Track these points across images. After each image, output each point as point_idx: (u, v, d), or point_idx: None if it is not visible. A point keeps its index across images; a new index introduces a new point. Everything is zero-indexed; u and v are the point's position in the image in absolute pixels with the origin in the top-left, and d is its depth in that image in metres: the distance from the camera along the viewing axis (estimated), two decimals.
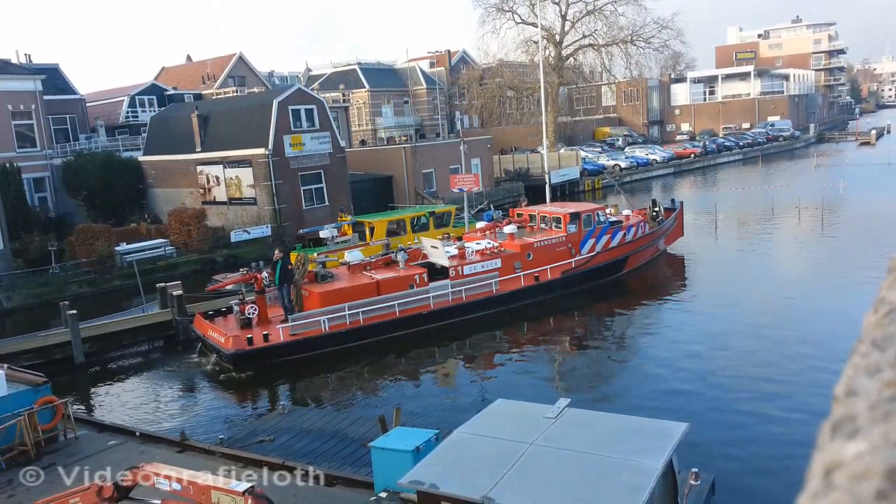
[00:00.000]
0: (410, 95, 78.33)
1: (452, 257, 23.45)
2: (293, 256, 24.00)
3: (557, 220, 26.10)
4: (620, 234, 27.03)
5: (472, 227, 29.64)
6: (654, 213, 30.12)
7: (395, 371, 20.17)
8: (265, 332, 20.00)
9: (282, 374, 19.83)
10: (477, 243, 24.84)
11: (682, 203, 32.03)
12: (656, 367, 18.56)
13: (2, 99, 40.00)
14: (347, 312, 20.81)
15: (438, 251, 23.52)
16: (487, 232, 26.68)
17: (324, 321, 20.54)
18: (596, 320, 24.31)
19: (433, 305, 22.15)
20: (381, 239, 29.47)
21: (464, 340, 22.17)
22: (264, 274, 21.90)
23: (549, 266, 24.51)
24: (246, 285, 22.35)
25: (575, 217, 26.00)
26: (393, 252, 24.31)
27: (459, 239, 26.32)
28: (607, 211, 28.23)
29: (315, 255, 26.02)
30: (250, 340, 19.66)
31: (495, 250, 24.35)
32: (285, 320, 20.60)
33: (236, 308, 21.09)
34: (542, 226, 26.62)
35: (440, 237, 26.24)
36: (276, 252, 22.17)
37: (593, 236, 26.16)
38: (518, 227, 26.33)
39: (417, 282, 22.32)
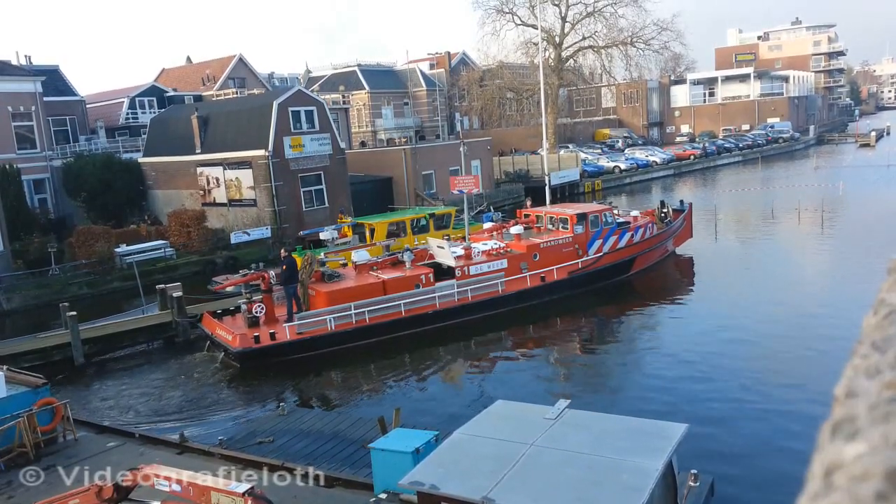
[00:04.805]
0: (410, 97, 78.35)
1: (458, 257, 23.50)
2: (297, 259, 24.01)
3: (564, 221, 26.11)
4: (628, 235, 27.02)
5: (474, 228, 29.56)
6: (663, 215, 30.05)
7: (399, 371, 20.20)
8: (272, 331, 20.12)
9: (286, 372, 19.87)
10: (483, 244, 24.88)
11: (690, 204, 31.93)
12: (657, 368, 18.57)
13: (2, 100, 39.99)
14: (353, 312, 20.89)
15: (444, 251, 23.57)
16: (494, 233, 26.71)
17: (330, 320, 20.62)
18: (601, 321, 24.31)
19: (439, 305, 22.21)
20: (382, 240, 29.45)
21: (469, 340, 22.20)
22: (271, 273, 21.99)
23: (555, 267, 24.53)
24: (248, 285, 22.35)
25: (582, 218, 26.01)
26: (399, 252, 24.38)
27: (464, 239, 26.34)
28: (615, 212, 28.22)
29: (321, 254, 26.03)
30: (257, 339, 19.79)
31: (501, 251, 24.37)
32: (289, 320, 20.67)
33: (244, 307, 21.20)
34: (549, 226, 26.64)
35: (441, 238, 26.25)
36: (282, 251, 22.30)
37: (600, 237, 26.17)
38: (525, 228, 26.35)
39: (423, 282, 22.39)
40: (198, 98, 56.91)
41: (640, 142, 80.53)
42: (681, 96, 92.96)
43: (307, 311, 21.16)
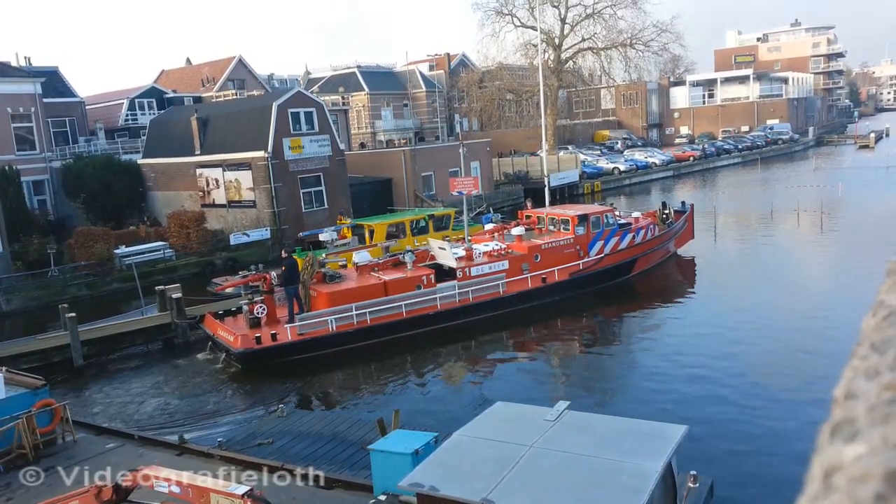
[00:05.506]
0: (410, 98, 78.39)
1: (460, 259, 23.53)
2: (298, 261, 24.03)
3: (565, 223, 26.14)
4: (629, 236, 27.05)
5: (474, 229, 29.56)
6: (664, 216, 30.07)
7: (400, 372, 20.21)
8: (273, 332, 20.14)
9: (287, 373, 19.87)
10: (485, 245, 24.92)
11: (692, 205, 31.96)
12: (657, 370, 18.56)
13: (1, 102, 40.00)
14: (355, 313, 20.91)
15: (446, 252, 23.61)
16: (495, 234, 26.74)
17: (331, 321, 20.66)
18: (602, 323, 24.33)
19: (440, 306, 22.23)
20: (381, 242, 29.44)
21: (469, 341, 22.23)
22: (272, 274, 22.02)
23: (556, 268, 24.56)
24: (247, 287, 22.36)
25: (583, 219, 26.05)
26: (400, 253, 24.44)
27: (463, 240, 26.36)
28: (616, 213, 28.24)
29: (323, 255, 26.06)
30: (258, 339, 19.83)
31: (503, 252, 24.40)
32: (290, 321, 20.69)
33: (245, 308, 21.22)
34: (551, 228, 26.68)
35: (440, 240, 26.26)
36: (283, 252, 22.32)
37: (602, 238, 26.20)
38: (526, 229, 26.38)
39: (425, 283, 22.41)
40: (197, 99, 56.93)
41: (639, 143, 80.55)
42: (680, 98, 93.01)
43: (308, 312, 21.17)
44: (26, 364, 19.60)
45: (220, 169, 38.74)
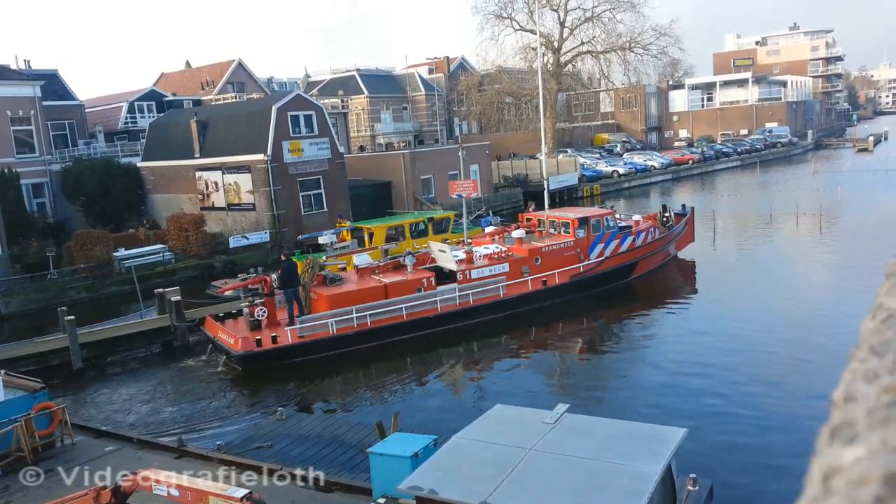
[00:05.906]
0: (409, 101, 78.41)
1: (460, 261, 23.53)
2: (299, 263, 24.04)
3: (566, 225, 26.17)
4: (630, 239, 27.08)
5: (473, 232, 29.58)
6: (665, 219, 30.11)
7: (399, 374, 20.22)
8: (273, 334, 20.14)
9: (287, 376, 19.87)
10: (485, 247, 24.94)
11: (692, 208, 31.99)
12: (657, 373, 18.56)
13: (1, 104, 40.02)
14: (355, 315, 20.91)
15: (446, 255, 23.63)
16: (496, 236, 26.77)
17: (331, 324, 20.67)
18: (602, 326, 24.32)
19: (440, 309, 22.22)
20: (381, 244, 29.45)
21: (470, 344, 22.24)
22: (273, 276, 22.03)
23: (557, 271, 24.57)
24: (247, 289, 22.37)
25: (584, 222, 26.09)
26: (400, 256, 24.45)
27: (463, 243, 26.37)
28: (617, 216, 28.27)
29: (323, 258, 26.07)
30: (259, 342, 19.82)
31: (503, 254, 24.42)
32: (290, 323, 20.70)
33: (246, 310, 21.23)
34: (551, 230, 26.71)
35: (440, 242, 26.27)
36: (281, 255, 22.33)
37: (602, 241, 26.23)
38: (527, 232, 26.41)
39: (425, 285, 22.41)
40: (197, 102, 56.93)
41: (638, 146, 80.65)
42: (679, 101, 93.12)
43: (309, 315, 21.18)
44: (25, 367, 19.56)
45: (220, 172, 38.76)
